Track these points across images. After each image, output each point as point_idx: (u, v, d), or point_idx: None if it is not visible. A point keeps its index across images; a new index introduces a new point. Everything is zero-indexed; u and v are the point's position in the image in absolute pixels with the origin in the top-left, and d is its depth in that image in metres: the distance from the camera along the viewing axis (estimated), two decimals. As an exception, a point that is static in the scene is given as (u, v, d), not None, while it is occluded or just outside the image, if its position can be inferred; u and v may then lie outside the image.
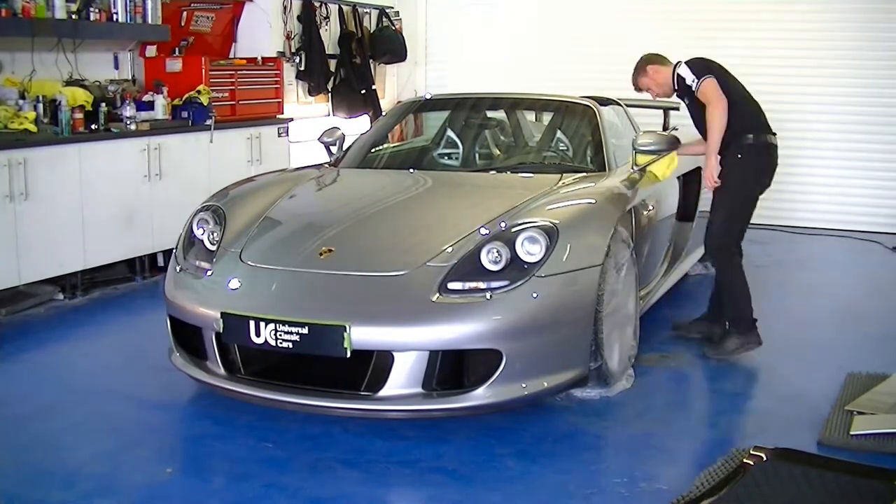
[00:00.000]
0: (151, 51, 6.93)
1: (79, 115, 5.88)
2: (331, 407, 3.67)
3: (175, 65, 6.91)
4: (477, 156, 5.53)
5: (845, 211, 8.43)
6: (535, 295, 3.69)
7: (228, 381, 3.85)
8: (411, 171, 5.18)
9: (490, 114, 5.80)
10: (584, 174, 4.88)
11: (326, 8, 8.60)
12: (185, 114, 6.67)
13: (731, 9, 8.66)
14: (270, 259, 4.05)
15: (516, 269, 3.75)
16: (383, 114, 7.67)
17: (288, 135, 7.68)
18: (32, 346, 5.03)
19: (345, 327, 3.54)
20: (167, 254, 6.34)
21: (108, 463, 3.52)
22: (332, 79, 8.67)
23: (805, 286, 6.46)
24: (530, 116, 6.06)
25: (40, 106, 5.73)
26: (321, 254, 4.00)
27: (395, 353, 3.59)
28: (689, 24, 8.78)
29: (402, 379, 3.60)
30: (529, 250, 3.79)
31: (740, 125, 4.71)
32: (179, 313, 4.05)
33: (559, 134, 5.52)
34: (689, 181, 5.88)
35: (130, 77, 6.89)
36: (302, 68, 8.29)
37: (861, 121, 8.35)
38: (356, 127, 8.30)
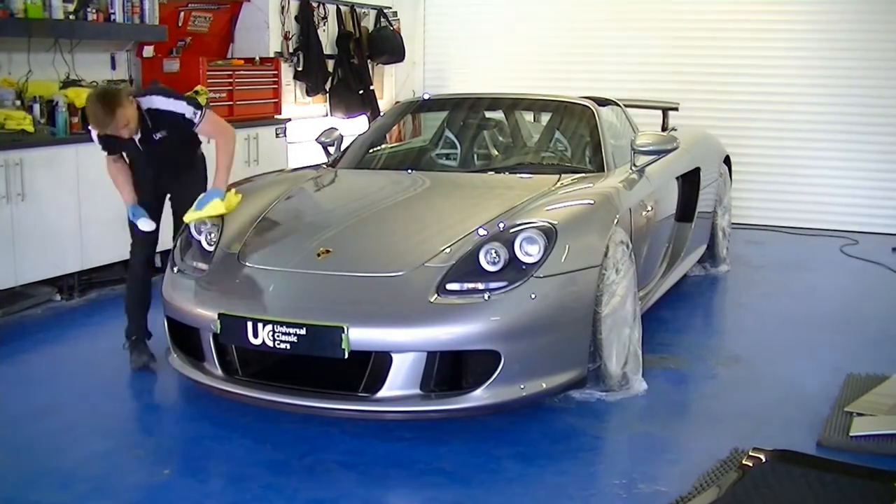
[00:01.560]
0: (149, 51, 6.92)
1: (75, 118, 5.87)
2: (329, 408, 3.67)
3: (172, 65, 6.91)
4: (475, 156, 5.53)
5: (844, 212, 8.43)
6: (533, 296, 3.69)
7: (226, 383, 3.84)
8: (409, 171, 5.18)
9: (488, 114, 5.80)
10: (583, 175, 4.88)
11: (324, 8, 8.59)
12: (182, 114, 6.66)
13: (728, 9, 8.66)
14: (268, 260, 4.04)
15: (514, 269, 3.75)
16: (381, 114, 7.68)
17: (286, 135, 7.68)
18: (29, 346, 5.03)
19: (343, 328, 3.54)
20: (164, 255, 6.33)
21: (104, 464, 3.52)
22: (329, 79, 8.67)
23: (804, 287, 6.45)
24: (529, 117, 6.06)
25: (37, 106, 5.73)
26: (319, 254, 3.99)
27: (393, 354, 3.59)
28: (688, 25, 8.79)
29: (400, 380, 3.59)
30: (528, 251, 3.79)
31: None
32: (177, 314, 4.05)
33: (557, 134, 5.52)
34: (688, 182, 5.89)
35: (128, 77, 6.88)
36: (300, 68, 8.29)
37: (860, 121, 8.35)
38: (354, 127, 8.30)
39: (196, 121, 4.43)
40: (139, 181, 4.60)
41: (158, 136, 4.42)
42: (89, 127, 4.43)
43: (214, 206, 4.34)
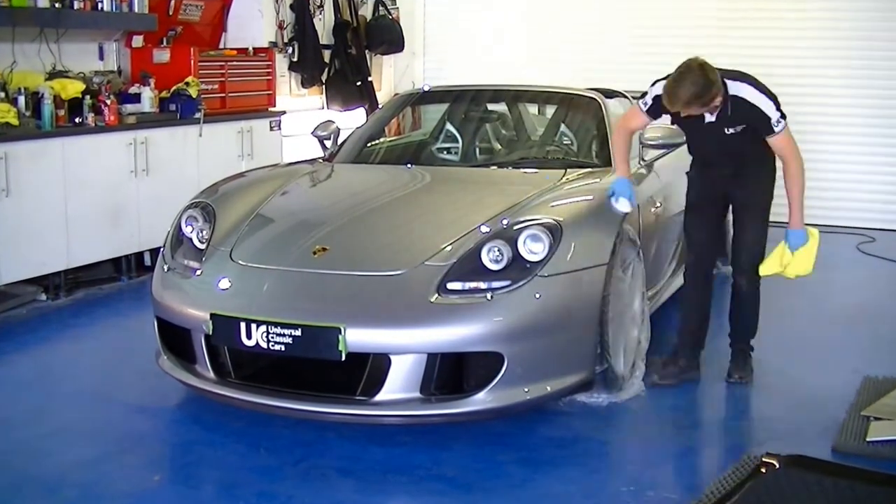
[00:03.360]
0: (138, 41, 6.92)
1: (61, 110, 5.87)
2: (325, 412, 3.67)
3: (163, 55, 6.91)
4: (477, 150, 5.53)
5: (861, 208, 8.42)
6: (537, 295, 3.69)
7: (218, 386, 3.85)
8: (409, 166, 5.19)
9: (491, 106, 5.80)
10: (589, 169, 4.88)
11: (321, -5, 8.60)
12: (172, 106, 6.67)
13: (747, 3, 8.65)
14: (262, 258, 4.05)
15: (518, 268, 3.75)
16: (380, 107, 7.68)
17: (280, 128, 7.68)
18: (13, 348, 5.03)
19: (339, 329, 3.54)
20: (154, 253, 6.33)
21: (93, 470, 3.52)
22: (326, 70, 8.67)
23: (819, 286, 6.43)
24: (533, 109, 6.06)
25: (22, 98, 5.73)
26: (315, 252, 4.00)
27: (391, 357, 3.59)
28: (699, 13, 8.78)
29: (400, 383, 3.60)
30: (532, 249, 3.79)
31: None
32: (167, 314, 4.05)
33: (563, 128, 5.52)
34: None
35: (116, 68, 6.88)
36: (295, 59, 8.28)
37: (879, 114, 8.33)
38: (351, 120, 8.30)
39: (775, 129, 4.14)
40: (700, 172, 4.47)
41: (731, 130, 4.18)
42: (652, 90, 4.21)
43: (799, 257, 4.22)
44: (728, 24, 8.68)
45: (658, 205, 4.91)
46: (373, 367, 3.63)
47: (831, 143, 8.47)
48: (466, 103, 5.75)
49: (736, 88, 4.14)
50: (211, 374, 3.88)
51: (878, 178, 8.41)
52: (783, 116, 4.17)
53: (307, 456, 3.64)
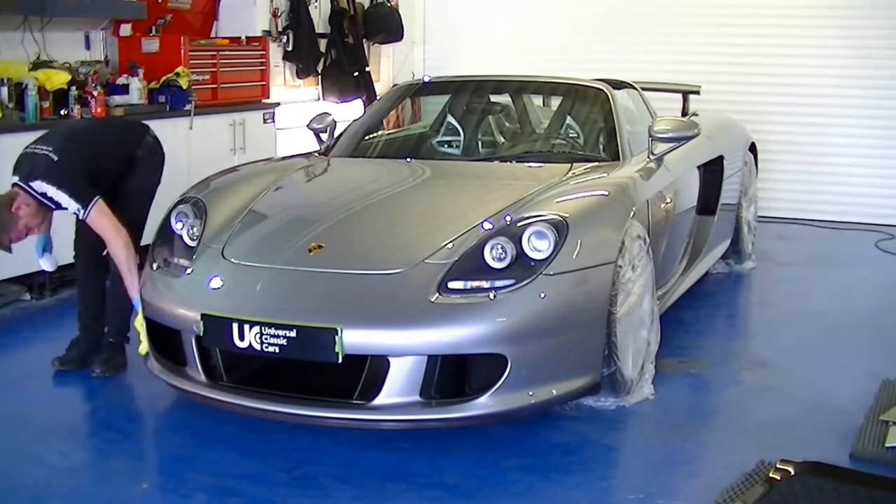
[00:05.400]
0: (126, 29, 6.93)
1: (46, 102, 5.86)
2: (321, 417, 3.67)
3: (151, 45, 6.91)
4: (480, 144, 5.53)
5: (880, 204, 8.41)
6: (542, 295, 3.69)
7: (210, 389, 3.84)
8: (408, 160, 5.18)
9: (494, 98, 5.80)
10: (596, 164, 4.88)
11: (316, -17, 8.60)
12: (162, 98, 6.68)
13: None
14: (255, 256, 4.04)
15: (522, 266, 3.75)
16: (378, 98, 7.67)
17: (274, 121, 7.69)
18: (-3, 350, 5.04)
19: (336, 330, 3.54)
20: (143, 250, 6.33)
21: (78, 477, 3.53)
22: (322, 60, 8.68)
23: (836, 285, 6.45)
24: (538, 101, 6.06)
25: (4, 89, 5.73)
26: (310, 250, 4.00)
27: (390, 359, 3.59)
28: (710, 1, 8.77)
29: (399, 386, 3.59)
30: (537, 246, 3.78)
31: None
32: (156, 315, 4.06)
33: (569, 120, 5.52)
34: (711, 171, 5.88)
35: (103, 58, 6.88)
36: (289, 49, 8.29)
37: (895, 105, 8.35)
38: (348, 112, 8.30)
39: (83, 216, 4.33)
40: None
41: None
42: None
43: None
44: (738, 12, 8.67)
45: (668, 200, 4.91)
46: (371, 370, 3.63)
47: (850, 136, 8.48)
48: (468, 95, 5.75)
49: (39, 187, 4.29)
50: (202, 377, 3.88)
51: (893, 173, 8.40)
52: (86, 202, 4.28)
53: (303, 462, 3.64)
